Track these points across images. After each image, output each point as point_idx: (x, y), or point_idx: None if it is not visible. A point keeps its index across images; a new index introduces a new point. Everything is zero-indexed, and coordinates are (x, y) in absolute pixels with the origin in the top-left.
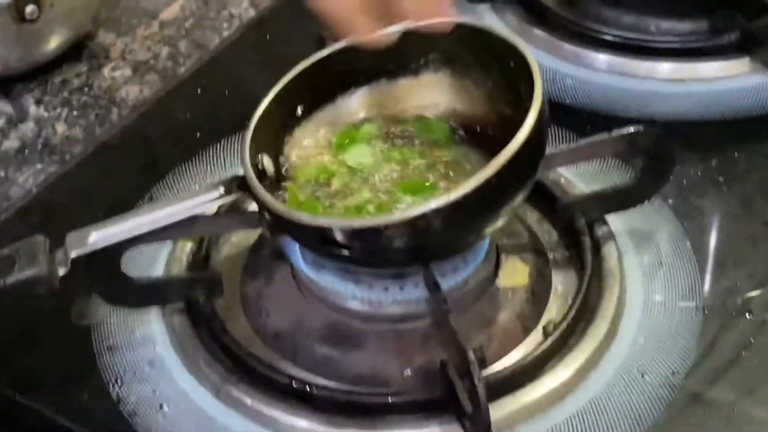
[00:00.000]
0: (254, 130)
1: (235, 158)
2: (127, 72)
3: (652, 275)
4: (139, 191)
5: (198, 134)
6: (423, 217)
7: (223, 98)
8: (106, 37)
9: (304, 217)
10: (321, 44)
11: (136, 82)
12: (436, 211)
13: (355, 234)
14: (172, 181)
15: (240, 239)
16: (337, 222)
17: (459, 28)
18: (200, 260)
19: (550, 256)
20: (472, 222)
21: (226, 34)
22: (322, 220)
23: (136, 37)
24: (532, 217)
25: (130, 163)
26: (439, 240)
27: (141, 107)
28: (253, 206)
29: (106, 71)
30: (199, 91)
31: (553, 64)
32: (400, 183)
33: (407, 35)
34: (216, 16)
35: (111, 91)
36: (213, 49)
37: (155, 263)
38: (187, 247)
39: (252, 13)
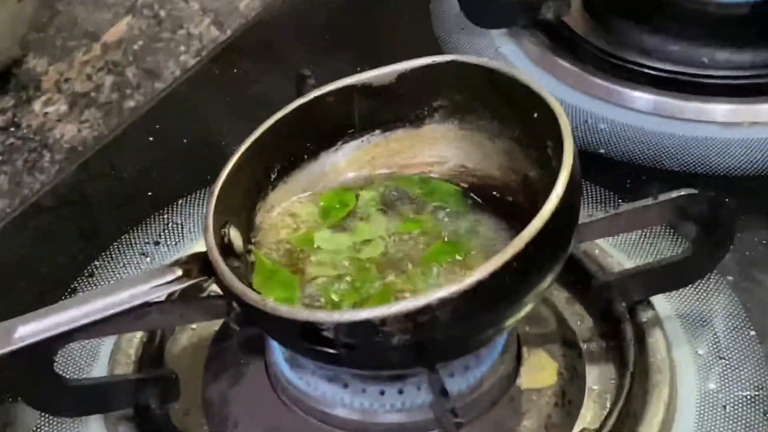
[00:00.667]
0: (219, 196)
1: (196, 224)
2: (63, 107)
3: (709, 371)
4: (76, 266)
5: (150, 192)
6: (427, 309)
7: (181, 146)
8: (36, 63)
9: (283, 310)
10: (301, 82)
11: (74, 119)
12: (444, 302)
13: (343, 330)
14: (116, 254)
15: (201, 327)
16: (322, 316)
17: (469, 68)
18: (152, 355)
19: (584, 347)
20: (488, 315)
21: (183, 59)
22: (303, 314)
23: (74, 63)
24: (561, 298)
25: (66, 229)
26: (448, 337)
27: (79, 154)
28: (217, 291)
29: (36, 106)
30: (151, 138)
31: (583, 104)
32: (395, 263)
33: (407, 77)
34: (171, 36)
35: (42, 131)
36: (168, 78)
37: (96, 360)
38: (136, 338)
39: (215, 33)
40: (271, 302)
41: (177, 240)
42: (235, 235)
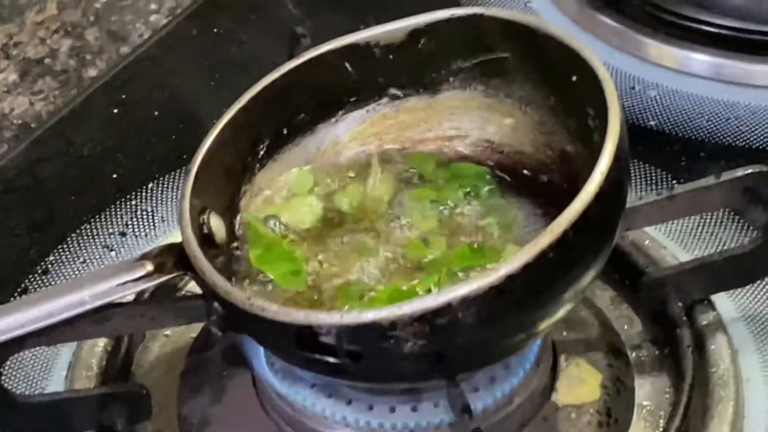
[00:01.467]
0: (197, 177)
1: (169, 211)
2: (12, 76)
3: None
4: (28, 262)
5: (114, 175)
6: (447, 309)
7: (152, 120)
8: None
9: (275, 311)
10: (295, 42)
11: (26, 90)
12: (467, 301)
13: (346, 334)
14: (75, 247)
15: (176, 333)
16: (322, 318)
17: (496, 23)
18: (118, 367)
19: (632, 356)
20: (519, 316)
21: (154, 19)
22: (299, 315)
23: (25, 24)
24: (605, 297)
25: (15, 219)
26: (471, 343)
27: (32, 131)
28: (195, 290)
29: None
30: (115, 109)
31: (630, 67)
32: (410, 256)
33: (420, 33)
34: None
35: None
36: (136, 41)
37: (52, 372)
38: (99, 347)
39: None
40: (260, 301)
41: (147, 230)
42: (216, 224)
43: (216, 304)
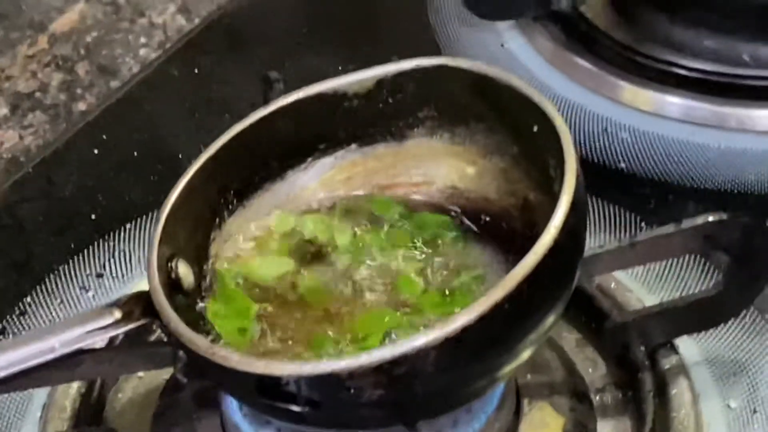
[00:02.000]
0: (166, 225)
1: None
2: (3, 110)
3: (743, 428)
4: (5, 302)
5: (93, 215)
6: (403, 360)
7: (131, 160)
8: None
9: (235, 360)
10: (268, 86)
11: (15, 124)
12: (423, 352)
13: (305, 384)
14: (52, 288)
15: (149, 376)
16: (280, 368)
17: (461, 73)
18: (91, 409)
19: (596, 399)
20: (476, 365)
21: (143, 53)
22: (258, 365)
23: (17, 57)
24: (570, 340)
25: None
26: (429, 392)
27: (19, 167)
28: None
29: None
30: (96, 150)
31: (603, 109)
32: (367, 305)
33: (387, 83)
34: (129, 27)
35: None
36: (126, 75)
37: (26, 414)
38: (72, 390)
39: (181, 22)
40: (221, 351)
41: (124, 272)
42: (184, 271)
43: (180, 352)
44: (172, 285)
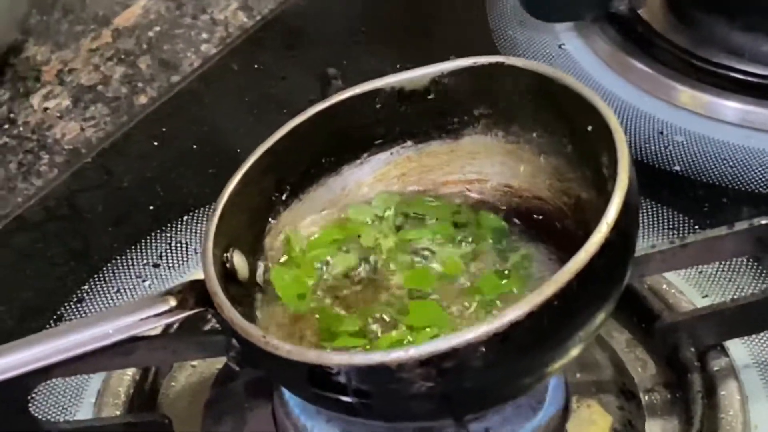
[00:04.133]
0: (222, 216)
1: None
2: (65, 102)
3: None
4: (63, 290)
5: (151, 206)
6: (452, 354)
7: (190, 153)
8: (37, 51)
9: (287, 350)
10: (326, 82)
11: (77, 116)
12: (473, 346)
13: (355, 375)
14: (110, 277)
15: (202, 365)
16: (332, 358)
17: (517, 72)
18: (144, 396)
19: (644, 399)
20: (525, 361)
21: (205, 48)
22: (311, 354)
23: (80, 51)
24: (620, 340)
25: (53, 248)
26: (478, 386)
27: (81, 156)
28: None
29: (35, 100)
30: (155, 142)
31: (659, 111)
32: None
33: (444, 80)
34: (192, 22)
35: (41, 129)
36: (186, 70)
37: (80, 400)
38: (127, 376)
39: (243, 18)
40: (274, 340)
41: (181, 262)
42: (239, 261)
43: (233, 340)
44: (227, 275)
